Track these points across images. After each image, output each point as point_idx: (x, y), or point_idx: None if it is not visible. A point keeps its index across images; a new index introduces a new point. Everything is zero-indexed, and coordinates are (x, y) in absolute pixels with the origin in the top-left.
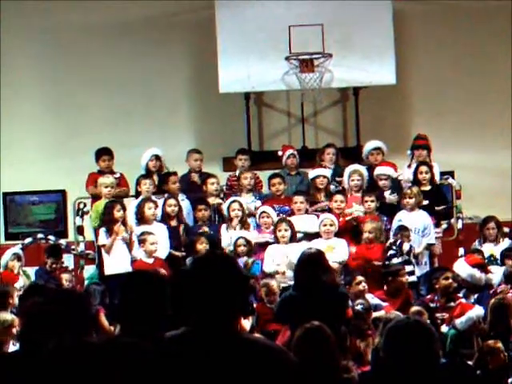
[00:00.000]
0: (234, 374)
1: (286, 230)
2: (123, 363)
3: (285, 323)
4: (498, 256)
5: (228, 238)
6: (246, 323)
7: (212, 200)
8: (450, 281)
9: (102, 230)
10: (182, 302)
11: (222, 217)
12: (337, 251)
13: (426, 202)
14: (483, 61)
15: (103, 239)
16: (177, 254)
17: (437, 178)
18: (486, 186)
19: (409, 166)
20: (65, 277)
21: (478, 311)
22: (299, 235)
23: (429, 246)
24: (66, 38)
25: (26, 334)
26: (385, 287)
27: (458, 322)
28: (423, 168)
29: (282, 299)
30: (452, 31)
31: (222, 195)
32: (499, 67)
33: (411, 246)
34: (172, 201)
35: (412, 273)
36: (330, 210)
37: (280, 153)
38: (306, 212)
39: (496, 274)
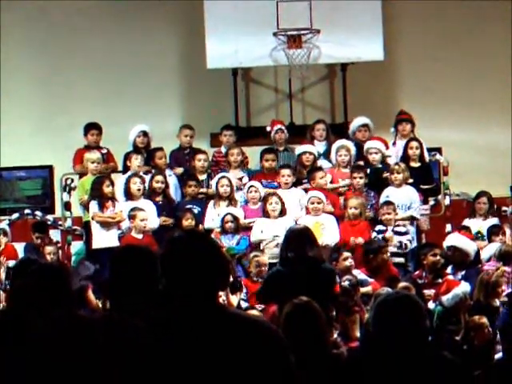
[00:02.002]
0: (220, 349)
1: (276, 203)
2: (114, 340)
3: (266, 303)
4: (485, 232)
5: (215, 214)
6: (234, 299)
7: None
8: (438, 257)
9: (94, 203)
10: (168, 278)
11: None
12: (327, 231)
13: (410, 181)
14: (473, 36)
15: (95, 209)
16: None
17: (425, 154)
18: (474, 162)
19: (394, 144)
20: (48, 249)
21: (464, 288)
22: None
23: (412, 220)
24: (55, 16)
25: (12, 309)
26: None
27: (445, 298)
28: (413, 143)
29: (268, 276)
30: (441, 7)
31: (209, 171)
32: (490, 43)
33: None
34: (159, 177)
35: (401, 254)
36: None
37: (268, 128)
38: (294, 186)
39: (484, 249)
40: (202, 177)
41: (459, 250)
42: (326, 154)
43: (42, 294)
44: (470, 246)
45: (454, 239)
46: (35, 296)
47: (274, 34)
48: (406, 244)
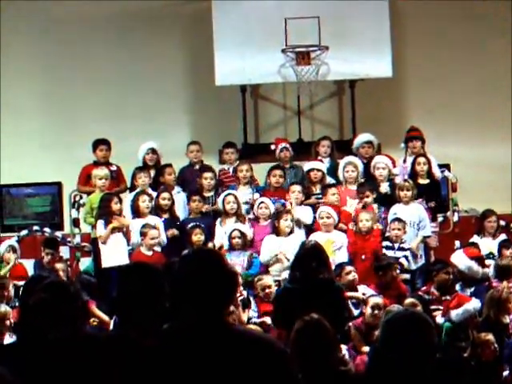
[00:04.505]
0: (227, 366)
1: (291, 221)
2: (119, 357)
3: (284, 328)
4: (496, 251)
5: (222, 232)
6: (244, 316)
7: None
8: (451, 276)
9: (100, 222)
10: (176, 295)
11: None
12: (337, 253)
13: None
14: (481, 53)
15: (101, 231)
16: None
17: (435, 170)
18: (483, 178)
19: (404, 161)
20: (59, 266)
21: (474, 304)
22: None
23: (424, 239)
24: (62, 29)
25: (24, 325)
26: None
27: (454, 313)
28: (421, 159)
29: (276, 297)
30: (449, 23)
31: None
32: (498, 59)
33: (408, 259)
34: (166, 194)
35: (405, 270)
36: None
37: (273, 146)
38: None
39: (491, 266)
40: (209, 194)
41: (460, 269)
42: (330, 171)
43: (52, 310)
44: (466, 265)
45: (455, 258)
46: (50, 312)
47: (283, 51)
48: (401, 263)
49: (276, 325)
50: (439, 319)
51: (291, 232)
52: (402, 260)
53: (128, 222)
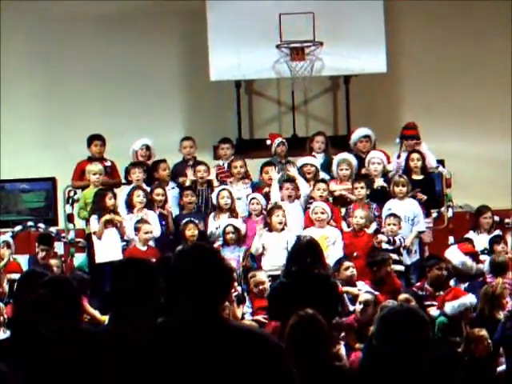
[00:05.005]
0: (222, 361)
1: (283, 216)
2: (116, 353)
3: (279, 320)
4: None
5: (216, 226)
6: (238, 311)
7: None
8: (444, 272)
9: (94, 218)
10: (171, 290)
11: (211, 206)
12: (332, 245)
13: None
14: (476, 49)
15: (95, 226)
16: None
17: (429, 160)
18: (477, 174)
19: (398, 157)
20: (53, 262)
21: (471, 298)
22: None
23: (419, 234)
24: (58, 27)
25: (19, 320)
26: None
27: (450, 305)
28: (415, 155)
29: (270, 291)
30: (445, 19)
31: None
32: (494, 55)
33: (401, 240)
34: (159, 190)
35: (399, 262)
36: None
37: (268, 142)
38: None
39: (486, 262)
40: (202, 188)
41: (454, 265)
42: (325, 166)
43: (50, 306)
44: (460, 261)
45: (449, 253)
46: (49, 307)
47: (277, 47)
48: (394, 239)
49: (272, 318)
50: (434, 313)
51: (283, 228)
52: (396, 239)
53: (121, 218)
